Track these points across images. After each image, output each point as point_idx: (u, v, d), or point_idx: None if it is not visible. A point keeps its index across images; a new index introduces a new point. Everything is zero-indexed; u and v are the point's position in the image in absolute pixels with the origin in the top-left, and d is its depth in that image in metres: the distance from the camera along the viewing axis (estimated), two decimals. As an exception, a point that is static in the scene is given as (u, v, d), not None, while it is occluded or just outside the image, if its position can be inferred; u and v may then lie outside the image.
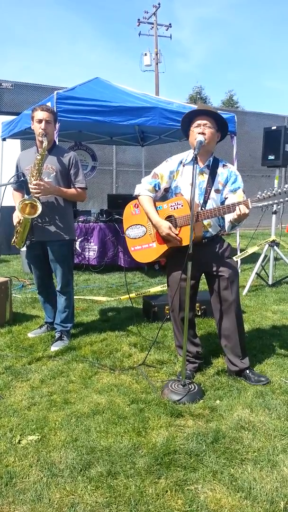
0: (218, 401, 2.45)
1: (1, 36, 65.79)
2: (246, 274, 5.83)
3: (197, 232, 2.59)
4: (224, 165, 2.72)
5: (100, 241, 6.08)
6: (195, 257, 2.45)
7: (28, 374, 2.82)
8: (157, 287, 4.69)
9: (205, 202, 2.65)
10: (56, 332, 3.43)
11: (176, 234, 2.61)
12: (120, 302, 4.55)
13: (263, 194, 2.40)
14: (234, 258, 2.85)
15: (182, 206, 2.62)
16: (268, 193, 2.39)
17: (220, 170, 2.70)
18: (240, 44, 70.58)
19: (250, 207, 2.43)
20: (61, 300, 3.42)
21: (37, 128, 3.11)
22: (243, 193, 2.66)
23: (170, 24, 20.44)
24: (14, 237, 3.21)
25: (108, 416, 2.30)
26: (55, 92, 4.76)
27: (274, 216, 5.17)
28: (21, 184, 3.04)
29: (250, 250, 5.35)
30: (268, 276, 5.38)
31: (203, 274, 2.81)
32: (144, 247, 2.81)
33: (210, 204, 2.65)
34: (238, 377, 2.73)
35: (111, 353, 3.16)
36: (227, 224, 2.64)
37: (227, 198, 2.66)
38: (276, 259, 5.43)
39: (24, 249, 3.44)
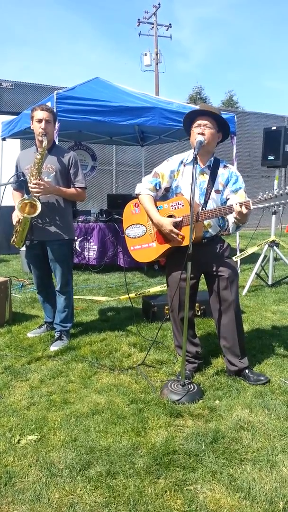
0: (217, 401, 2.45)
1: (1, 36, 65.80)
2: (246, 274, 5.83)
3: (197, 232, 2.59)
4: (225, 166, 2.72)
5: (100, 241, 6.08)
6: (195, 257, 2.44)
7: (27, 374, 2.82)
8: (157, 287, 4.69)
9: (205, 202, 2.65)
10: (55, 332, 3.43)
11: (179, 232, 2.61)
12: (119, 302, 4.55)
13: (265, 195, 2.40)
14: (233, 258, 2.85)
15: (182, 206, 2.62)
16: (270, 194, 2.39)
17: (220, 170, 2.70)
18: (240, 44, 70.68)
19: (251, 208, 2.43)
20: (60, 300, 3.42)
21: (37, 127, 3.11)
22: (244, 193, 2.66)
23: (170, 24, 20.47)
24: (14, 237, 3.21)
25: (107, 416, 2.30)
26: (55, 92, 4.76)
27: (273, 216, 5.17)
28: (21, 184, 3.04)
29: (250, 250, 5.35)
30: (267, 276, 5.38)
31: (202, 274, 2.81)
32: (143, 247, 2.81)
33: (211, 205, 2.65)
34: (238, 377, 2.73)
35: (111, 353, 3.16)
36: (231, 225, 2.64)
37: (228, 199, 2.67)
38: (275, 259, 5.43)
39: (23, 248, 3.44)
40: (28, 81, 10.55)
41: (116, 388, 2.61)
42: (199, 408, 2.37)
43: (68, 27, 75.39)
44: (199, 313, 3.91)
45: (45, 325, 3.64)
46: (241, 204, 2.43)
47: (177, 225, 2.63)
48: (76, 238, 5.99)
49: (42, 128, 3.08)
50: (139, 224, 2.83)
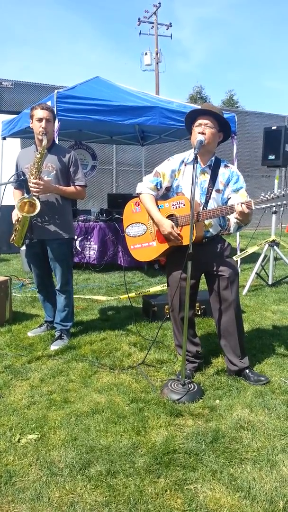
0: (217, 401, 2.45)
1: (1, 35, 65.73)
2: (246, 274, 5.83)
3: (198, 232, 2.59)
4: (226, 166, 2.72)
5: (100, 241, 6.08)
6: (195, 256, 2.44)
7: (27, 373, 2.82)
8: (157, 287, 4.69)
9: (206, 202, 2.65)
10: (56, 331, 3.43)
11: (178, 233, 2.61)
12: (119, 301, 4.55)
13: (266, 196, 2.40)
14: (234, 257, 2.85)
15: (183, 205, 2.62)
16: (272, 195, 2.40)
17: (221, 170, 2.70)
18: (240, 44, 70.60)
19: (253, 208, 2.43)
20: (60, 299, 3.42)
21: (37, 126, 3.10)
22: (246, 193, 2.66)
23: (170, 23, 20.45)
24: (13, 235, 3.21)
25: (107, 415, 2.30)
26: (56, 91, 4.76)
27: (274, 216, 5.17)
28: (21, 183, 3.04)
29: (250, 250, 5.35)
30: (268, 276, 5.38)
31: (203, 273, 2.81)
32: (144, 246, 2.81)
33: (211, 204, 2.65)
34: (238, 376, 2.73)
35: (111, 353, 3.17)
36: (232, 225, 2.64)
37: (229, 198, 2.67)
38: (276, 259, 5.43)
39: (24, 248, 3.44)
40: (28, 80, 10.56)
41: (116, 388, 2.61)
42: (199, 408, 2.37)
43: (68, 27, 75.36)
44: (199, 313, 3.91)
45: (46, 324, 3.65)
46: (243, 204, 2.42)
47: (177, 224, 2.63)
48: (76, 237, 5.99)
49: (42, 127, 3.08)
50: (139, 223, 2.83)
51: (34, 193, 3.01)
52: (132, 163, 11.45)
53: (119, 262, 6.13)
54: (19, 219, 3.10)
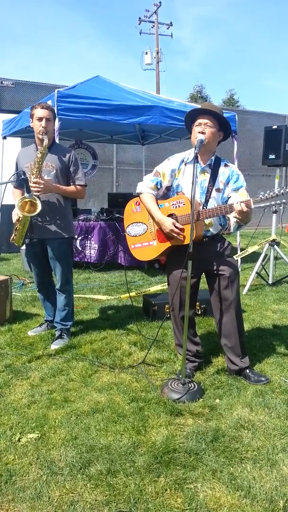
0: (217, 400, 2.45)
1: (1, 34, 65.68)
2: (246, 273, 5.82)
3: (198, 231, 2.58)
4: (226, 165, 2.72)
5: (101, 240, 6.08)
6: (196, 255, 2.44)
7: (28, 372, 2.82)
8: (157, 286, 4.69)
9: (206, 201, 2.65)
10: (56, 330, 3.44)
11: (180, 229, 2.60)
12: (120, 300, 4.55)
13: (266, 195, 2.40)
14: (234, 257, 2.85)
15: (183, 204, 2.62)
16: (271, 193, 2.40)
17: (221, 169, 2.70)
18: (240, 43, 70.54)
19: (252, 207, 2.43)
20: (60, 298, 3.42)
21: (37, 126, 3.10)
22: (246, 192, 2.66)
23: (171, 22, 20.45)
24: (13, 235, 3.21)
25: (107, 414, 2.30)
26: (56, 90, 4.76)
27: (274, 215, 5.17)
28: (21, 182, 3.04)
29: (251, 249, 5.35)
30: (268, 276, 5.38)
31: (203, 273, 2.81)
32: (144, 245, 2.81)
33: (212, 203, 2.65)
34: (238, 376, 2.73)
35: (111, 352, 3.17)
36: (232, 224, 2.64)
37: (229, 197, 2.66)
38: (276, 258, 5.43)
39: (24, 247, 3.44)
40: (28, 79, 10.56)
41: (116, 387, 2.61)
42: (199, 407, 2.37)
43: (68, 26, 75.28)
44: (199, 312, 3.91)
45: (46, 324, 3.65)
46: (242, 203, 2.42)
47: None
48: (76, 236, 5.99)
49: (42, 127, 3.08)
50: (140, 222, 2.83)
51: (35, 193, 3.01)
52: (133, 163, 11.45)
53: (119, 261, 6.13)
54: (20, 218, 3.10)
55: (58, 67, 65.47)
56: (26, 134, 6.31)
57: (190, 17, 66.03)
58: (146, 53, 19.81)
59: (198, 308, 3.85)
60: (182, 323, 2.72)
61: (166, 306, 3.71)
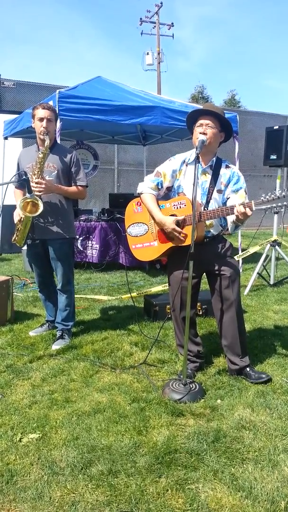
0: (219, 401, 2.45)
1: (2, 34, 65.75)
2: (248, 273, 5.82)
3: (199, 232, 2.58)
4: (227, 166, 2.72)
5: (102, 240, 6.08)
6: (197, 256, 2.44)
7: (29, 372, 2.83)
8: (158, 286, 4.69)
9: (207, 202, 2.65)
10: (57, 330, 3.44)
11: (181, 230, 2.60)
12: (121, 301, 4.55)
13: (267, 197, 2.40)
14: (235, 257, 2.85)
15: (185, 205, 2.62)
16: (272, 196, 2.40)
17: (223, 170, 2.70)
18: (241, 43, 70.50)
19: (254, 209, 2.43)
20: (62, 299, 3.42)
21: (39, 126, 3.11)
22: (245, 193, 2.66)
23: (172, 23, 20.44)
24: (15, 235, 3.21)
25: (109, 414, 2.30)
26: (57, 90, 4.76)
27: (276, 216, 5.16)
28: (22, 183, 3.05)
29: (252, 250, 5.34)
30: (269, 276, 5.37)
31: (204, 273, 2.81)
32: (145, 245, 2.81)
33: (213, 204, 2.65)
34: (239, 375, 2.73)
35: (112, 352, 3.17)
36: (230, 225, 2.64)
37: (229, 198, 2.67)
38: (277, 259, 5.43)
39: (25, 247, 3.45)
40: (29, 80, 10.57)
41: (117, 387, 2.61)
42: (200, 407, 2.37)
43: (69, 26, 75.30)
44: (200, 312, 3.91)
45: (47, 324, 3.65)
46: (244, 205, 2.42)
47: (179, 224, 2.63)
48: (77, 237, 5.99)
49: (43, 127, 3.08)
50: (141, 222, 2.83)
51: (36, 193, 3.01)
52: (134, 163, 11.46)
53: (120, 262, 6.14)
54: (21, 219, 3.11)
55: (59, 67, 65.52)
56: (27, 134, 6.31)
57: (190, 17, 66.02)
58: (147, 53, 19.80)
59: (199, 308, 3.85)
60: (183, 324, 2.72)
61: (167, 306, 3.71)
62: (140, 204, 2.83)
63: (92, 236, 6.13)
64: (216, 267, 2.69)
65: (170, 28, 20.59)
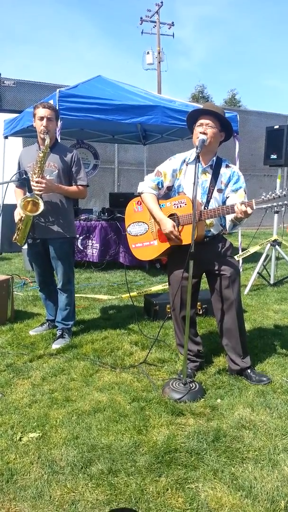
0: (219, 400, 2.45)
1: (2, 34, 65.68)
2: (248, 273, 5.82)
3: (199, 231, 2.58)
4: (227, 166, 2.72)
5: (102, 240, 6.08)
6: (197, 255, 2.44)
7: (29, 371, 2.83)
8: (159, 286, 4.69)
9: (207, 201, 2.65)
10: (57, 330, 3.44)
11: (179, 234, 2.61)
12: (121, 300, 4.55)
13: (268, 196, 2.40)
14: (235, 257, 2.85)
15: (185, 204, 2.62)
16: (273, 194, 2.39)
17: (223, 170, 2.70)
18: (241, 43, 70.43)
19: (254, 207, 2.43)
20: (62, 298, 3.42)
21: (39, 125, 3.11)
22: (244, 193, 2.66)
23: (172, 22, 20.43)
24: (16, 234, 3.22)
25: (109, 414, 2.30)
26: (58, 90, 4.76)
27: (276, 215, 5.16)
28: (23, 182, 3.05)
29: (252, 250, 5.34)
30: (269, 276, 5.37)
31: (204, 272, 2.81)
32: (145, 245, 2.81)
33: (213, 204, 2.65)
34: (239, 376, 2.73)
35: (112, 351, 3.17)
36: (228, 223, 2.64)
37: (228, 197, 2.67)
38: (277, 258, 5.43)
39: (25, 247, 3.45)
40: (29, 79, 10.56)
41: (117, 386, 2.61)
42: (200, 407, 2.37)
43: (69, 26, 75.17)
44: (200, 312, 3.91)
45: (47, 323, 3.65)
46: (245, 204, 2.42)
47: (179, 223, 2.63)
48: (78, 236, 5.99)
49: (43, 126, 3.08)
50: (141, 222, 2.83)
51: (37, 192, 3.01)
52: (134, 162, 11.45)
53: (120, 261, 6.14)
54: (22, 218, 3.11)
55: (59, 67, 65.45)
56: (27, 133, 6.31)
57: (191, 17, 65.95)
58: (148, 53, 19.79)
59: (199, 308, 3.85)
60: (183, 323, 2.72)
61: (167, 306, 3.71)
62: (141, 204, 2.83)
63: (92, 236, 6.13)
64: (216, 267, 2.69)
65: (170, 27, 20.59)
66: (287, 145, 4.89)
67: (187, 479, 1.82)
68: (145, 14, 20.14)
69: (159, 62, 19.86)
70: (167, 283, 3.06)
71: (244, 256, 5.32)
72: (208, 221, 2.65)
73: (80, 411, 2.33)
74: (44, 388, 2.60)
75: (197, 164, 2.43)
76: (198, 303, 3.67)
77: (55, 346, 3.25)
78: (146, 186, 2.74)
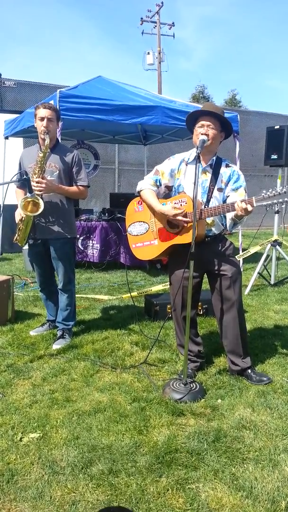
0: (219, 400, 2.45)
1: (3, 34, 65.76)
2: (248, 273, 5.82)
3: (200, 231, 2.58)
4: (227, 165, 2.73)
5: (102, 240, 6.08)
6: (198, 255, 2.44)
7: (30, 372, 2.83)
8: (159, 286, 4.68)
9: (208, 201, 2.65)
10: (58, 330, 3.44)
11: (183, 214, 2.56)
12: (121, 300, 4.55)
13: (268, 193, 2.40)
14: (236, 257, 2.84)
15: (185, 203, 2.62)
16: (273, 192, 2.40)
17: (223, 169, 2.70)
18: (242, 43, 70.42)
19: (255, 205, 2.43)
20: (62, 298, 3.42)
21: (40, 126, 3.11)
22: (244, 192, 2.66)
23: (173, 23, 20.42)
24: (16, 235, 3.22)
25: (109, 414, 2.30)
26: (58, 90, 4.76)
27: (276, 215, 5.16)
28: (23, 182, 3.05)
29: (252, 250, 5.34)
30: (270, 276, 5.37)
31: (205, 273, 2.81)
32: (145, 244, 2.81)
33: (213, 203, 2.65)
34: (240, 376, 2.72)
35: (113, 352, 3.17)
36: (228, 222, 2.64)
37: (228, 196, 2.67)
38: (278, 258, 5.42)
39: (26, 247, 3.45)
40: (30, 79, 10.58)
41: (118, 387, 2.61)
42: (201, 407, 2.37)
43: (70, 26, 75.28)
44: (201, 312, 3.91)
45: (48, 324, 3.65)
46: (245, 201, 2.42)
47: (185, 216, 2.61)
48: (78, 236, 5.99)
49: (44, 126, 3.08)
50: (141, 221, 2.83)
51: (37, 192, 3.01)
52: (135, 163, 11.46)
53: (121, 261, 6.14)
54: (23, 218, 3.11)
55: (60, 67, 65.48)
56: (28, 134, 6.32)
57: (192, 17, 66.03)
58: (148, 53, 19.79)
59: (200, 308, 3.85)
60: (183, 323, 2.72)
61: (168, 306, 3.71)
62: (141, 203, 2.83)
63: (93, 236, 6.13)
64: (217, 267, 2.69)
65: (171, 27, 20.58)
66: (287, 146, 4.89)
67: (188, 480, 1.82)
68: (145, 15, 20.16)
69: (160, 63, 19.87)
70: (167, 284, 3.06)
71: (245, 256, 5.31)
72: (209, 221, 2.65)
73: (80, 412, 2.33)
74: (44, 388, 2.60)
75: (198, 164, 2.43)
76: (199, 303, 3.66)
77: (56, 346, 3.25)
78: (145, 184, 2.76)
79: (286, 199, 2.42)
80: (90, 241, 6.14)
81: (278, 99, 58.51)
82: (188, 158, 2.73)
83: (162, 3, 19.70)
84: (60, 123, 4.45)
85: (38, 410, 2.35)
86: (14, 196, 3.37)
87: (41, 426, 2.19)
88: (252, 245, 5.70)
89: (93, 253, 6.14)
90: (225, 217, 2.70)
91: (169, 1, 57.07)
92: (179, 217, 2.57)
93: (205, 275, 2.83)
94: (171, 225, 2.69)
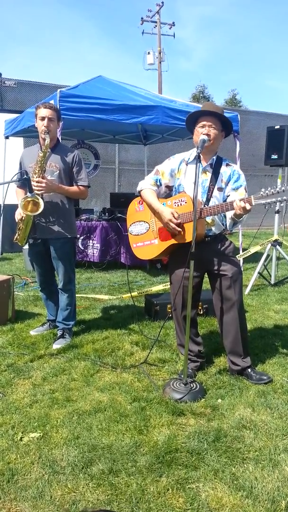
0: (219, 400, 2.45)
1: (4, 34, 65.75)
2: (249, 273, 5.81)
3: (200, 230, 2.58)
4: (227, 164, 2.73)
5: (103, 240, 6.08)
6: (198, 255, 2.44)
7: (30, 371, 2.83)
8: (159, 286, 4.69)
9: (208, 200, 2.65)
10: (58, 330, 3.44)
11: (178, 222, 2.58)
12: (122, 300, 4.55)
13: (266, 191, 2.40)
14: (236, 257, 2.84)
15: (185, 203, 2.62)
16: (272, 190, 2.39)
17: (223, 169, 2.70)
18: (242, 43, 70.41)
19: (253, 203, 2.43)
20: (63, 298, 3.42)
21: (40, 125, 3.11)
22: (245, 191, 2.66)
23: (173, 22, 20.43)
24: (17, 234, 3.22)
25: (109, 414, 2.30)
26: (58, 90, 4.76)
27: (277, 215, 5.16)
28: (24, 182, 3.05)
29: (253, 250, 5.34)
30: (270, 276, 5.37)
31: (206, 272, 2.81)
32: (146, 244, 2.81)
33: (213, 203, 2.65)
34: (240, 376, 2.73)
35: (113, 351, 3.17)
36: (228, 221, 2.64)
37: (229, 196, 2.67)
38: (278, 258, 5.42)
39: (26, 247, 3.45)
40: (30, 79, 10.58)
41: (118, 386, 2.61)
42: (201, 407, 2.37)
43: (70, 26, 75.24)
44: (201, 312, 3.91)
45: (48, 323, 3.65)
46: (243, 200, 2.42)
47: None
48: (78, 236, 5.99)
49: (44, 126, 3.08)
50: (142, 221, 2.83)
51: (37, 192, 3.02)
52: (135, 162, 11.46)
53: (121, 261, 6.14)
54: (23, 218, 3.11)
55: (60, 67, 65.49)
56: (28, 134, 6.31)
57: (192, 17, 65.98)
58: (148, 53, 19.79)
59: (200, 308, 3.85)
60: (184, 323, 2.72)
61: (168, 306, 3.71)
62: (142, 203, 2.84)
63: (93, 236, 6.13)
64: (218, 267, 2.69)
65: (171, 27, 20.59)
66: (287, 146, 4.89)
67: (188, 479, 1.82)
68: (145, 14, 20.17)
69: (160, 62, 19.86)
70: (167, 283, 3.06)
71: (245, 256, 5.31)
72: (209, 220, 2.65)
73: (80, 411, 2.33)
74: (44, 388, 2.61)
75: (198, 163, 2.43)
76: (199, 303, 3.66)
77: (56, 346, 3.25)
78: (146, 183, 2.76)
79: (285, 197, 2.42)
80: (91, 241, 6.14)
81: (278, 99, 58.55)
82: (188, 158, 2.73)
83: (162, 3, 19.70)
84: (61, 123, 4.45)
85: (39, 410, 2.35)
86: (15, 195, 3.37)
87: (41, 426, 2.20)
88: (253, 245, 5.70)
89: (93, 253, 6.14)
90: (225, 216, 2.70)
91: (170, 1, 57.10)
92: (172, 225, 2.58)
93: (206, 275, 2.83)
94: None
